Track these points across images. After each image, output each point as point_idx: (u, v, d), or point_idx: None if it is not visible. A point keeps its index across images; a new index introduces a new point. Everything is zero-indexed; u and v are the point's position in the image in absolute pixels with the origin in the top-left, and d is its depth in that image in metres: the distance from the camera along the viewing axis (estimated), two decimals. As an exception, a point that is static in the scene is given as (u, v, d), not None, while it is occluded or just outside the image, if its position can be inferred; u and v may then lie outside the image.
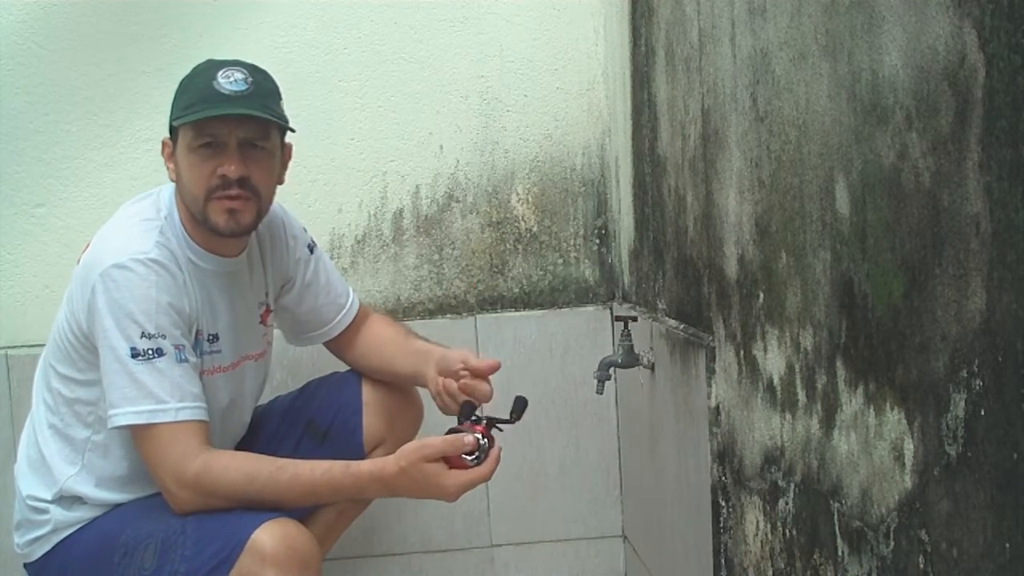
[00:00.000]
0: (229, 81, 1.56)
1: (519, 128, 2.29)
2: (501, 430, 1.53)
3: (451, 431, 1.50)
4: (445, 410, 1.71)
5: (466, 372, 1.67)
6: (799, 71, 1.09)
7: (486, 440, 1.48)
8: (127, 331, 1.51)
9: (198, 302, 1.62)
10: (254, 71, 1.60)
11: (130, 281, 1.52)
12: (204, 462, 1.50)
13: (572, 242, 2.32)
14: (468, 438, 1.45)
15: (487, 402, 1.64)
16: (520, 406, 1.55)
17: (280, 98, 1.64)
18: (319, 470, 1.51)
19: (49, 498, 1.63)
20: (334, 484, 1.50)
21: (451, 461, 1.46)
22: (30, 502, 1.65)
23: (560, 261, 2.32)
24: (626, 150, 2.11)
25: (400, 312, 2.27)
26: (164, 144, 1.65)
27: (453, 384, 1.67)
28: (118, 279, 1.52)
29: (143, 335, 1.51)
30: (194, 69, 1.63)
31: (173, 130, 1.62)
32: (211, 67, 1.59)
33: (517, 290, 2.32)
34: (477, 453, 1.46)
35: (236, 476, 1.51)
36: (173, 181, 1.64)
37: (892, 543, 0.93)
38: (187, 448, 1.51)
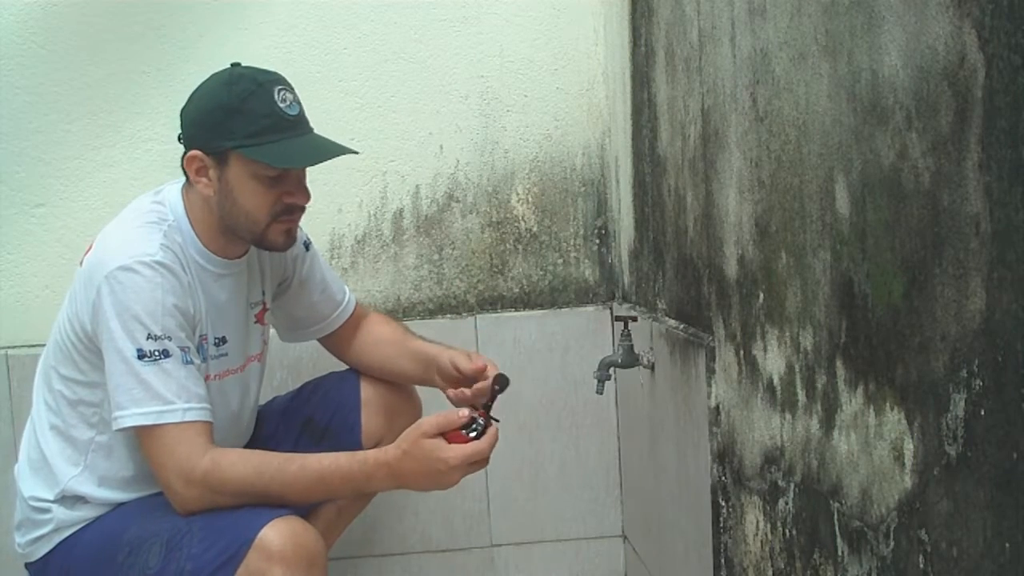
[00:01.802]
0: (287, 104, 1.59)
1: (519, 128, 2.29)
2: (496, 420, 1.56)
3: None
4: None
5: (460, 375, 1.72)
6: (799, 71, 1.09)
7: (481, 417, 1.50)
8: (133, 333, 1.51)
9: (203, 304, 1.63)
10: (285, 80, 1.62)
11: (136, 283, 1.52)
12: (212, 459, 1.50)
13: (572, 242, 2.32)
14: (461, 411, 1.49)
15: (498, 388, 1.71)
16: (503, 382, 1.59)
17: None
18: (326, 460, 1.52)
19: (51, 498, 1.63)
20: (342, 472, 1.51)
21: (449, 438, 1.48)
22: (32, 502, 1.65)
23: (560, 261, 2.32)
24: (626, 150, 2.11)
25: (400, 312, 2.27)
26: (196, 158, 1.59)
27: (467, 393, 1.73)
28: (124, 281, 1.52)
29: (149, 336, 1.51)
30: (238, 87, 1.57)
31: (216, 147, 1.58)
32: (259, 87, 1.57)
33: (517, 290, 2.32)
34: (475, 426, 1.48)
35: (245, 469, 1.50)
36: (208, 195, 1.60)
37: (892, 543, 0.93)
38: (194, 447, 1.50)
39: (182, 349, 1.54)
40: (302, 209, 1.66)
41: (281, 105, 1.58)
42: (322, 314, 1.89)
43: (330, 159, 1.64)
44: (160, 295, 1.53)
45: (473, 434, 1.48)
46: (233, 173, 1.58)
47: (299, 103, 1.62)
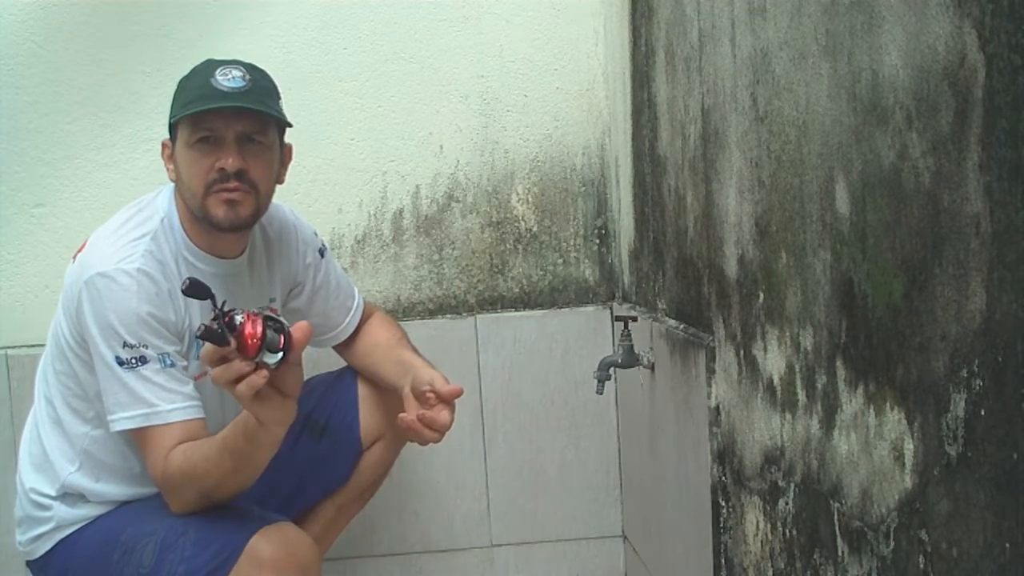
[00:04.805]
0: (227, 79, 1.57)
1: (519, 128, 2.29)
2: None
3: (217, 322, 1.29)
4: (413, 440, 1.65)
5: (432, 394, 1.62)
6: (799, 71, 1.09)
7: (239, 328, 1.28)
8: (109, 341, 1.53)
9: (194, 306, 1.62)
10: (252, 69, 1.61)
11: (111, 291, 1.54)
12: (166, 462, 1.52)
13: (572, 242, 2.32)
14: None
15: (444, 431, 1.59)
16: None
17: (279, 96, 1.65)
18: (219, 435, 1.47)
19: (53, 494, 1.64)
20: (228, 443, 1.45)
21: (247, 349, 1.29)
22: (33, 496, 1.66)
23: (560, 261, 2.32)
24: (626, 150, 2.11)
25: (400, 312, 2.27)
26: (164, 145, 1.65)
27: (415, 422, 1.58)
28: (100, 288, 1.54)
29: (124, 345, 1.53)
30: (193, 69, 1.63)
31: (172, 129, 1.62)
32: (209, 66, 1.60)
33: (517, 290, 2.31)
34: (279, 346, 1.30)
35: (183, 467, 1.50)
36: (173, 181, 1.64)
37: (892, 543, 0.93)
38: (158, 453, 1.53)
39: (160, 355, 1.55)
40: (242, 181, 1.57)
41: (219, 78, 1.57)
42: (335, 322, 1.89)
43: (232, 107, 1.55)
44: (135, 304, 1.54)
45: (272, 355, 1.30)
46: (178, 148, 1.61)
47: (249, 82, 1.57)
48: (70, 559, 1.62)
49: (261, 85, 1.60)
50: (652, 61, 1.82)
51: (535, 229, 2.31)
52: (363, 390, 1.87)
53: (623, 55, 2.08)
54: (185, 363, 1.60)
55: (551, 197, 2.31)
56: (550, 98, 2.29)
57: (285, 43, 2.23)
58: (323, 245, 1.88)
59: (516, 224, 2.31)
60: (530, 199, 2.31)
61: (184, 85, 1.62)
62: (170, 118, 1.62)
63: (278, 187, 1.70)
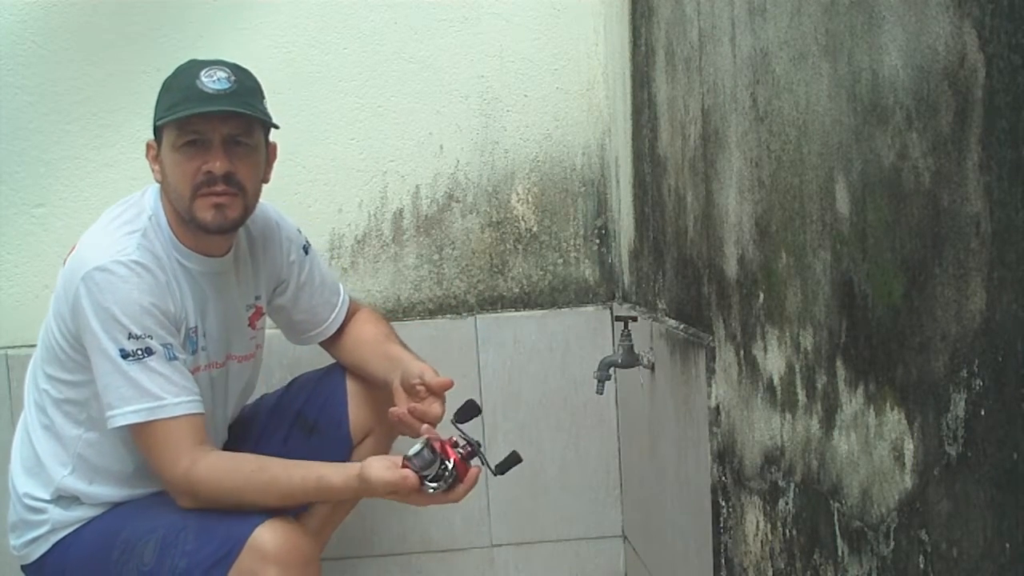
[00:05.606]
0: (212, 80, 1.57)
1: (519, 128, 2.29)
2: (480, 463, 1.51)
3: (427, 444, 1.46)
4: (404, 433, 1.68)
5: (423, 387, 1.64)
6: (799, 71, 1.09)
7: (453, 467, 1.46)
8: (113, 333, 1.52)
9: (188, 300, 1.63)
10: (236, 70, 1.61)
11: (112, 284, 1.53)
12: (190, 463, 1.51)
13: (572, 242, 2.32)
14: (410, 479, 1.44)
15: (436, 424, 1.60)
16: (510, 463, 1.53)
17: (263, 96, 1.65)
18: (296, 477, 1.51)
19: (47, 497, 1.64)
20: (308, 492, 1.53)
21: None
22: (27, 500, 1.65)
23: (560, 261, 2.32)
24: (626, 150, 2.11)
25: (400, 312, 2.27)
26: (149, 146, 1.65)
27: (406, 415, 1.63)
28: (100, 282, 1.53)
29: (130, 336, 1.52)
30: (177, 69, 1.63)
31: (157, 131, 1.62)
32: (193, 67, 1.59)
33: (517, 290, 2.31)
34: (445, 476, 1.45)
35: (217, 476, 1.52)
36: (159, 182, 1.64)
37: (892, 543, 0.93)
38: (179, 447, 1.52)
39: (164, 346, 1.55)
40: (229, 183, 1.58)
41: (204, 79, 1.56)
42: (320, 318, 1.89)
43: (218, 111, 1.56)
44: (136, 295, 1.54)
45: (438, 484, 1.44)
46: (163, 150, 1.61)
47: (234, 83, 1.58)
48: (66, 561, 1.62)
49: (246, 86, 1.60)
50: (652, 61, 1.82)
51: (535, 229, 2.31)
52: (352, 386, 1.87)
53: (623, 55, 2.08)
54: (184, 356, 1.60)
55: (551, 197, 2.31)
56: (550, 98, 2.29)
57: (285, 43, 2.23)
58: (307, 242, 1.88)
59: (516, 224, 2.31)
60: (530, 199, 2.31)
61: (168, 86, 1.62)
62: (155, 120, 1.61)
63: (270, 186, 1.70)
